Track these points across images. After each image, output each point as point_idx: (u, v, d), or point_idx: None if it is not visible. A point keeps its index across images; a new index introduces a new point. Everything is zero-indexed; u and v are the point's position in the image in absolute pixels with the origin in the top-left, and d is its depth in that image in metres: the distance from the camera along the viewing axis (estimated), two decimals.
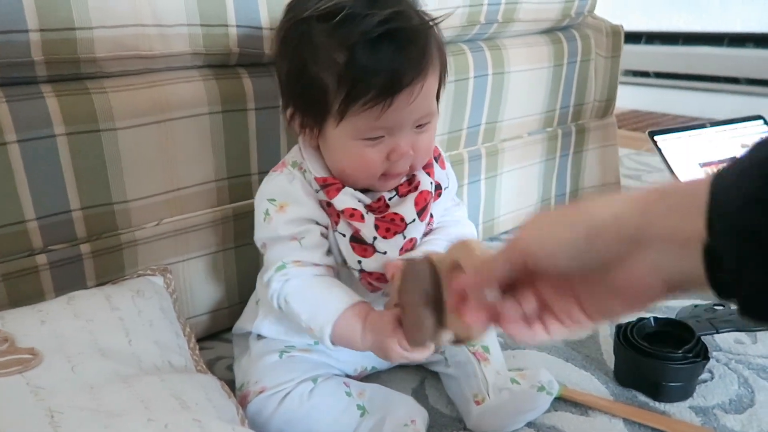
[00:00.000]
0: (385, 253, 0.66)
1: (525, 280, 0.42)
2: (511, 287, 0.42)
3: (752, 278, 0.31)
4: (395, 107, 0.58)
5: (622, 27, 1.29)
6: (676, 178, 1.28)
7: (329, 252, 0.67)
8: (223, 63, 0.78)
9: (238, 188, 0.83)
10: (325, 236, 0.67)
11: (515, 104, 1.12)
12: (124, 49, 0.68)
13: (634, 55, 1.40)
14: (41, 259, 0.70)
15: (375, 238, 0.65)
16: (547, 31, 1.18)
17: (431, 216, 0.70)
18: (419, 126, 0.63)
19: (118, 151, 0.71)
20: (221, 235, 0.84)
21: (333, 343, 0.62)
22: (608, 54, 1.28)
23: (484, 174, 1.13)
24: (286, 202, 0.66)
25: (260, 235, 0.68)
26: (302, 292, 0.64)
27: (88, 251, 0.73)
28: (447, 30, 0.99)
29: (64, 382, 0.54)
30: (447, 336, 0.52)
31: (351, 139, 0.62)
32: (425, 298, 0.52)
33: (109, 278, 0.75)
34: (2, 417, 0.49)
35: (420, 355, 0.59)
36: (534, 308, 0.42)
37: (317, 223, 0.66)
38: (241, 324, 0.79)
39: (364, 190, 0.67)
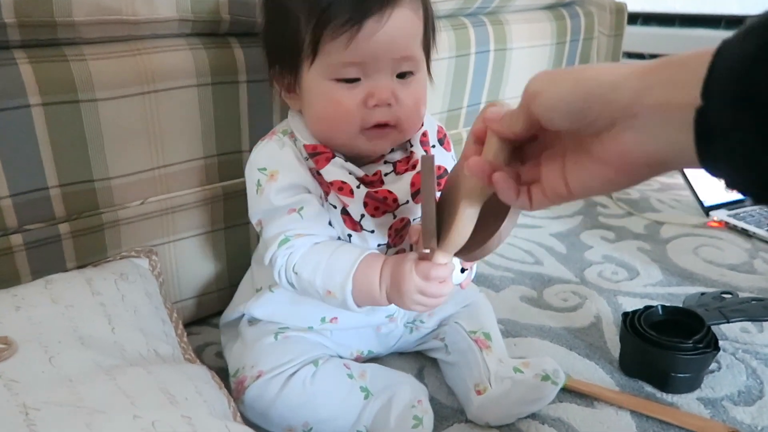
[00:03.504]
0: (372, 231, 0.63)
1: (530, 148, 0.44)
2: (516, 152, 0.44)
3: (742, 145, 0.29)
4: (365, 35, 0.56)
5: (626, 5, 1.25)
6: None
7: (330, 224, 0.64)
8: (212, 31, 0.73)
9: (228, 165, 0.78)
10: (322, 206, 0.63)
11: (516, 83, 1.08)
12: (105, 12, 0.63)
13: (630, 37, 1.39)
14: (16, 239, 0.65)
15: (362, 216, 0.62)
16: (551, 7, 1.14)
17: None
18: (401, 76, 0.60)
19: (99, 124, 0.66)
20: (210, 215, 0.79)
21: (354, 299, 0.59)
22: (611, 32, 1.24)
23: None
24: (276, 170, 0.62)
25: (255, 210, 0.64)
26: (311, 257, 0.60)
27: (67, 231, 0.68)
28: (449, 2, 0.94)
29: (40, 375, 0.49)
30: (460, 231, 0.49)
31: (325, 80, 0.59)
32: (434, 189, 0.52)
33: (90, 260, 0.71)
34: None
35: (440, 270, 0.54)
36: (530, 177, 0.44)
37: (310, 192, 0.62)
38: (231, 311, 0.75)
39: (358, 162, 0.63)
